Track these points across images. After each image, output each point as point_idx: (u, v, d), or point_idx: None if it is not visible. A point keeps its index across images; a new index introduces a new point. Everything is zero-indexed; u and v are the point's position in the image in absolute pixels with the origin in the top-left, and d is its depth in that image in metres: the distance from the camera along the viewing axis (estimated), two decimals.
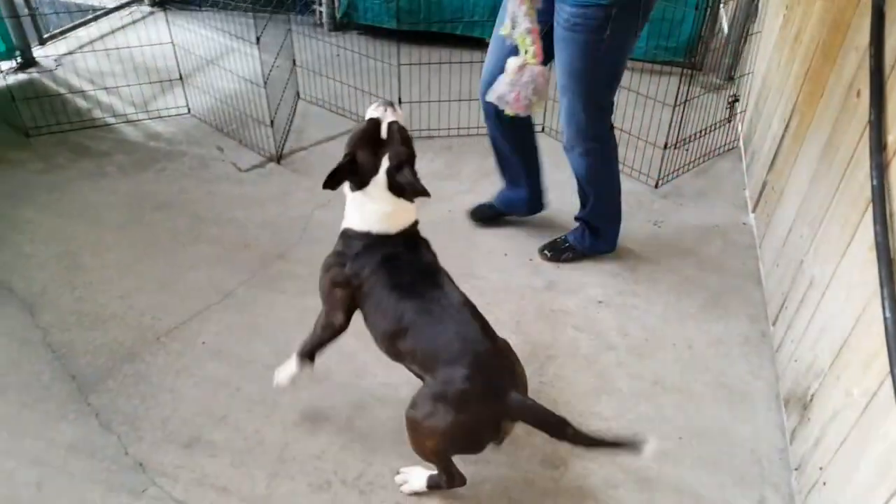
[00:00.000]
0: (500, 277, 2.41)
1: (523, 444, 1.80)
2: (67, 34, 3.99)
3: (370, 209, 1.65)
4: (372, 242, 1.66)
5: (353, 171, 1.63)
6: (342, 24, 4.18)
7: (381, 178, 1.61)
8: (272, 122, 2.89)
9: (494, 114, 2.28)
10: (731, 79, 3.57)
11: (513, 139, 2.45)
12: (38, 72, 3.55)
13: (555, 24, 2.04)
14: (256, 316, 2.20)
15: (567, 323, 2.23)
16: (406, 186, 1.61)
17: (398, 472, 1.74)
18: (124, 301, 2.23)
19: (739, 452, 1.83)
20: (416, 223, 1.73)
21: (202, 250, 2.46)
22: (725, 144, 3.17)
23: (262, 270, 2.39)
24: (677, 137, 2.83)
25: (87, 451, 1.76)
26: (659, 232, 2.66)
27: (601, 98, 2.17)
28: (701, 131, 3.00)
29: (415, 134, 3.11)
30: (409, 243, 1.69)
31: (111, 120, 3.20)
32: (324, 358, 1.84)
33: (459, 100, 3.16)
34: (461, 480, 1.63)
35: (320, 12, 4.18)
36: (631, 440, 1.47)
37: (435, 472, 1.65)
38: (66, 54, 3.77)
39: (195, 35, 3.76)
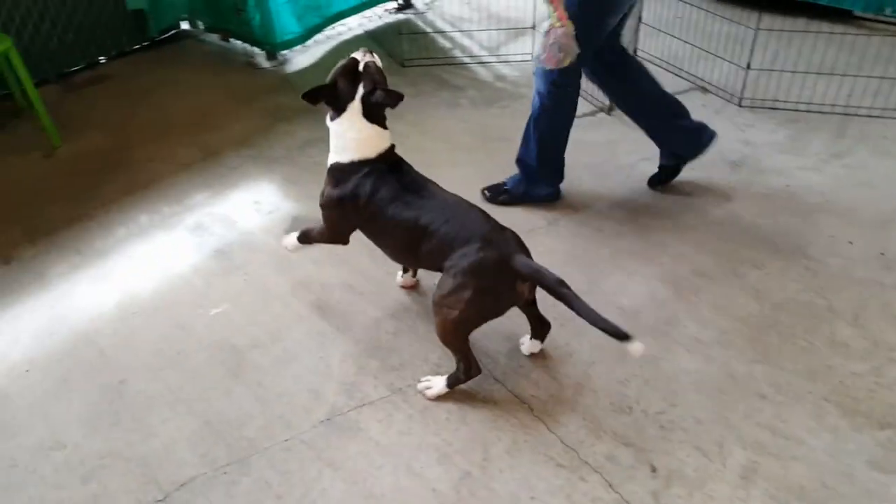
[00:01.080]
0: (838, 264, 2.24)
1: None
2: None
3: (349, 137, 1.87)
4: (357, 169, 1.86)
5: (333, 98, 1.86)
6: None
7: (356, 104, 1.85)
8: None
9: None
10: None
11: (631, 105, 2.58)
12: (413, 13, 4.13)
13: None
14: (575, 245, 2.38)
15: None
16: (380, 101, 1.84)
17: (419, 381, 1.89)
18: None
19: None
20: (393, 147, 1.93)
21: None
22: None
23: (585, 208, 2.55)
24: None
25: (431, 319, 2.05)
26: None
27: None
28: None
29: (758, 104, 3.06)
30: (392, 163, 1.90)
31: (467, 60, 3.61)
32: None
33: (818, 73, 2.97)
34: (477, 369, 1.82)
35: None
36: (620, 331, 1.56)
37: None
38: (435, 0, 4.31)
39: None
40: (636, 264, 2.27)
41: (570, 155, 2.79)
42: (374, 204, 1.84)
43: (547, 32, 2.24)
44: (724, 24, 3.32)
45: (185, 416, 1.83)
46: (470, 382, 1.86)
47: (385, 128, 1.92)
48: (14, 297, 2.25)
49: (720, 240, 2.37)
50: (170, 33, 4.06)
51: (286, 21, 3.56)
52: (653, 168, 2.70)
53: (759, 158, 2.76)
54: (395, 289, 2.20)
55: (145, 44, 3.94)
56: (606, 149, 2.86)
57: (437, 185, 1.92)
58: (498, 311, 1.78)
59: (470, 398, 1.84)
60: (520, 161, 2.56)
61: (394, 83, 3.37)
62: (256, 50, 3.80)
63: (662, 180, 2.65)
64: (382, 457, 1.71)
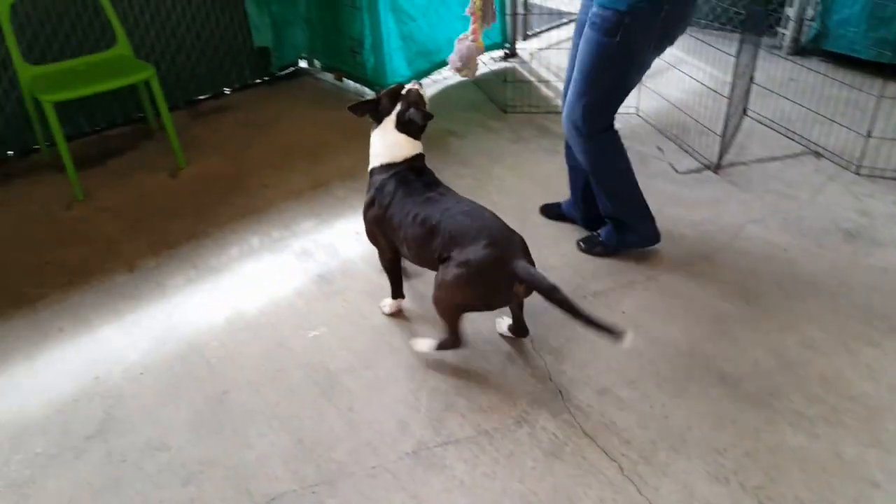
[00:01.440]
0: None
1: None
2: (542, 34, 4.63)
3: (381, 142, 2.16)
4: (385, 171, 2.12)
5: (375, 112, 2.17)
6: (804, 48, 4.02)
7: (392, 117, 2.14)
8: (724, 132, 2.96)
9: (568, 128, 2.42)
10: None
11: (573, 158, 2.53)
12: (518, 62, 4.23)
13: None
14: (674, 303, 2.32)
15: None
16: (411, 116, 2.10)
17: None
18: (562, 257, 2.57)
19: None
20: (421, 156, 2.17)
21: None
22: None
23: (686, 266, 2.49)
24: None
25: (521, 364, 2.11)
26: None
27: (599, 104, 2.27)
28: None
29: (877, 173, 2.94)
30: (415, 168, 2.12)
31: None
32: None
33: None
34: (460, 343, 2.05)
35: (783, 34, 4.08)
36: (612, 327, 1.75)
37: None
38: (540, 49, 4.40)
39: None
40: (740, 330, 2.20)
41: (673, 211, 2.78)
42: (395, 199, 2.07)
43: (460, 40, 2.37)
44: (841, 89, 3.23)
45: (280, 433, 1.90)
46: (559, 434, 1.85)
47: (417, 139, 2.17)
48: (135, 303, 2.43)
49: (831, 312, 2.25)
50: (289, 70, 4.34)
51: (398, 64, 3.73)
52: (761, 230, 2.64)
53: (876, 230, 2.63)
54: (488, 331, 2.22)
55: (266, 78, 4.22)
56: (711, 208, 2.81)
57: (456, 192, 2.11)
58: (490, 306, 1.98)
59: (558, 449, 1.82)
60: (604, 215, 2.55)
61: (495, 129, 3.57)
62: (367, 90, 4.00)
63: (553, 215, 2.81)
64: (465, 497, 1.71)
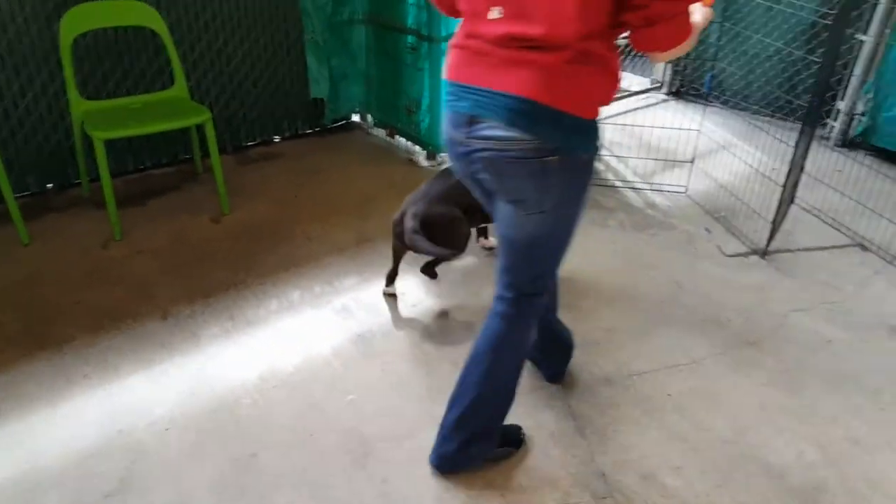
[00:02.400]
0: None
1: None
2: None
3: None
4: None
5: None
6: (853, 142, 4.02)
7: None
8: (775, 218, 2.93)
9: None
10: None
11: None
12: None
13: None
14: (719, 390, 2.24)
15: None
16: None
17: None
18: (606, 333, 2.51)
19: None
20: None
21: (678, 314, 2.62)
22: None
23: (732, 351, 2.43)
24: None
25: (563, 443, 2.03)
26: None
27: None
28: None
29: None
30: None
31: (618, 183, 3.65)
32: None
33: None
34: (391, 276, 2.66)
35: (832, 126, 4.09)
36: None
37: None
38: None
39: (706, 125, 4.06)
40: (786, 420, 2.12)
41: (720, 294, 2.73)
42: None
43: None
44: (886, 183, 3.20)
45: (308, 500, 1.82)
46: None
47: None
48: (166, 352, 2.38)
49: (877, 408, 2.18)
50: (341, 122, 4.39)
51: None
52: (807, 320, 2.57)
53: None
54: (529, 414, 2.14)
55: (317, 129, 4.27)
56: (757, 293, 2.75)
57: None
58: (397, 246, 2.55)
59: None
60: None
61: None
62: (418, 149, 4.02)
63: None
64: None
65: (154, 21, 3.23)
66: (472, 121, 1.53)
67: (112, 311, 2.58)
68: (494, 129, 1.50)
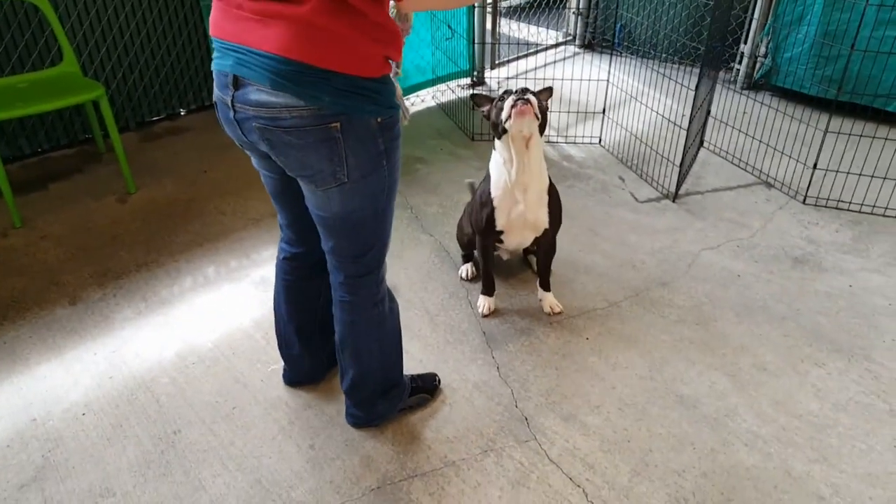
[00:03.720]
0: None
1: None
2: (510, 63, 4.69)
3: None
4: None
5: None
6: (757, 84, 4.17)
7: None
8: (682, 163, 3.03)
9: None
10: None
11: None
12: (486, 90, 4.25)
13: None
14: (636, 330, 2.33)
15: None
16: None
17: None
18: (525, 283, 2.56)
19: None
20: None
21: (596, 260, 2.69)
22: None
23: (646, 292, 2.52)
24: None
25: (488, 393, 2.07)
26: None
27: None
28: None
29: (822, 203, 3.04)
30: None
31: None
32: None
33: (884, 177, 2.97)
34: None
35: (737, 70, 4.23)
36: None
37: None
38: (507, 78, 4.44)
39: (615, 74, 4.12)
40: (697, 353, 2.23)
41: (634, 239, 2.82)
42: None
43: None
44: (791, 123, 3.35)
45: (236, 473, 1.80)
46: (525, 462, 1.83)
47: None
48: (77, 338, 2.29)
49: (781, 335, 2.31)
50: None
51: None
52: (716, 257, 2.69)
53: (821, 257, 2.72)
54: (455, 362, 2.18)
55: None
56: (669, 236, 2.85)
57: None
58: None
59: (524, 478, 1.78)
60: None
61: (463, 155, 3.54)
62: None
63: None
64: None
65: None
66: (237, 82, 1.36)
67: (17, 301, 2.46)
68: (262, 94, 1.33)
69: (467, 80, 4.33)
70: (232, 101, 1.39)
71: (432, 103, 4.12)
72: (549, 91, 2.26)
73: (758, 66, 4.13)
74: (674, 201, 3.09)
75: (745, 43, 4.14)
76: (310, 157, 1.39)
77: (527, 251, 2.65)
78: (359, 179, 1.45)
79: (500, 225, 2.27)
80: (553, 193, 2.30)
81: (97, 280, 2.56)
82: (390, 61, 1.40)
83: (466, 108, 3.87)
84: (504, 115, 2.10)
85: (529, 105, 2.06)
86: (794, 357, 2.22)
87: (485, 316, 2.39)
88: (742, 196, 3.14)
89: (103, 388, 2.08)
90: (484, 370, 2.15)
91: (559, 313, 2.40)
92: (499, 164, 2.22)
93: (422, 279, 2.58)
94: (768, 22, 3.98)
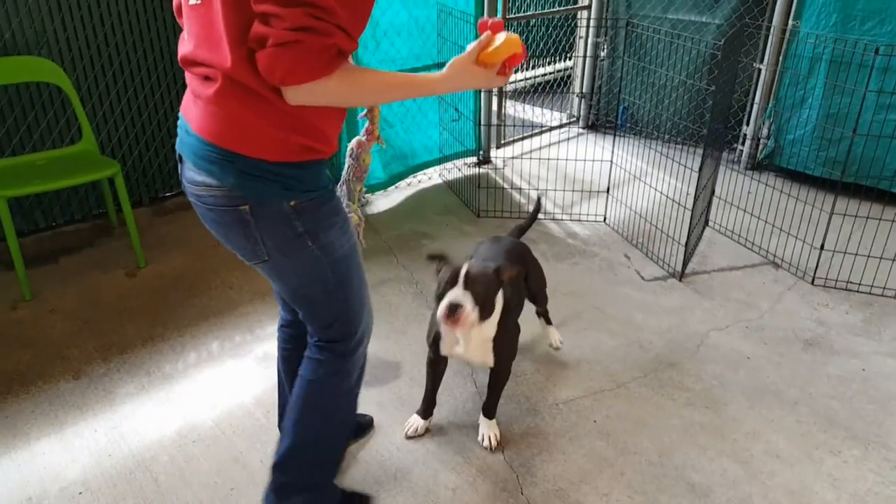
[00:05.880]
0: None
1: None
2: (516, 143, 4.79)
3: None
4: None
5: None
6: (760, 164, 4.24)
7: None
8: (687, 242, 3.04)
9: None
10: None
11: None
12: (491, 168, 4.34)
13: None
14: (644, 413, 2.28)
15: None
16: None
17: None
18: (532, 362, 2.52)
19: None
20: None
21: (602, 339, 2.67)
22: None
23: (654, 373, 2.48)
24: None
25: (492, 478, 2.01)
26: None
27: None
28: None
29: (830, 284, 3.03)
30: None
31: (539, 215, 3.71)
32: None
33: (893, 259, 2.99)
34: None
35: (741, 151, 4.30)
36: None
37: None
38: (512, 158, 4.53)
39: (619, 155, 4.20)
40: (708, 439, 2.17)
41: (640, 318, 2.80)
42: None
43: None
44: (796, 204, 3.38)
45: None
46: None
47: None
48: (79, 413, 2.26)
49: (794, 420, 2.26)
50: None
51: (373, 167, 3.78)
52: (725, 338, 2.66)
53: (832, 339, 2.68)
54: (459, 443, 2.13)
55: None
56: (676, 315, 2.83)
57: None
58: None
59: None
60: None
61: (469, 231, 3.58)
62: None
63: None
64: None
65: (58, 77, 3.16)
66: (180, 159, 1.42)
67: (21, 374, 2.45)
68: (190, 172, 1.38)
69: (474, 159, 4.42)
70: (182, 178, 1.44)
71: (439, 180, 4.19)
72: (513, 270, 1.92)
73: (761, 147, 4.20)
74: (680, 280, 3.09)
75: (748, 125, 4.23)
76: (230, 234, 1.42)
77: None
78: (281, 258, 1.45)
79: (444, 351, 2.06)
80: (502, 337, 2.00)
81: (101, 354, 2.55)
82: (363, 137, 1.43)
83: (472, 186, 3.94)
84: (438, 314, 1.82)
85: (459, 319, 1.77)
86: (808, 444, 2.16)
87: (409, 437, 2.16)
88: (749, 276, 3.13)
89: (102, 466, 2.04)
90: (488, 453, 2.10)
91: (497, 446, 2.12)
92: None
93: (425, 356, 2.55)
94: (770, 105, 4.08)
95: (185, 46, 1.36)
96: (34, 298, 2.92)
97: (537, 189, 3.98)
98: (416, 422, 2.18)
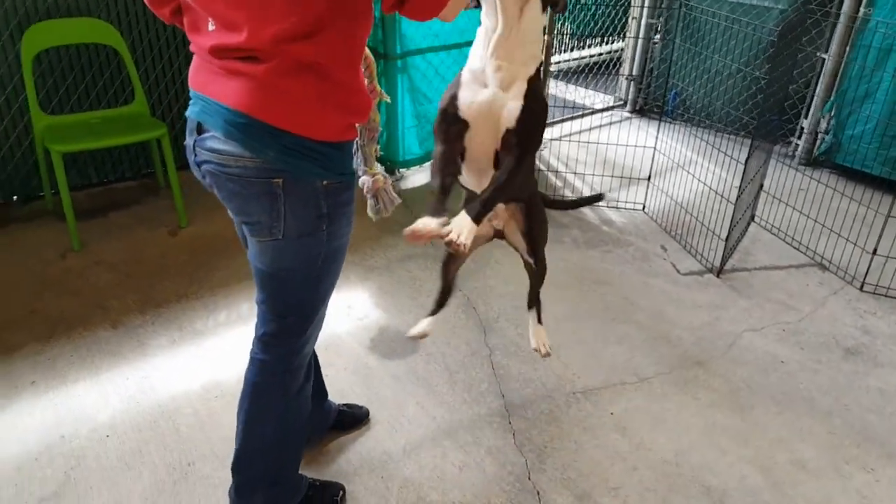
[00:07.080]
0: None
1: None
2: (557, 124, 4.71)
3: None
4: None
5: None
6: (817, 160, 4.06)
7: None
8: (728, 236, 2.95)
9: None
10: None
11: None
12: None
13: None
14: (665, 410, 2.24)
15: None
16: None
17: None
18: (553, 349, 2.49)
19: None
20: None
21: (629, 331, 2.62)
22: None
23: (680, 370, 2.43)
24: None
25: (500, 460, 2.02)
26: None
27: None
28: None
29: (881, 291, 2.90)
30: None
31: None
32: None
33: None
34: None
35: (797, 145, 4.13)
36: None
37: None
38: (551, 139, 4.45)
39: (665, 142, 4.08)
40: (729, 442, 2.11)
41: (672, 313, 2.74)
42: None
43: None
44: (850, 204, 3.24)
45: None
46: None
47: None
48: (114, 360, 2.37)
49: (826, 431, 2.17)
50: None
51: (410, 143, 3.79)
52: (760, 340, 2.58)
53: (877, 350, 2.57)
54: (468, 420, 2.15)
55: None
56: (710, 312, 2.75)
57: None
58: None
59: None
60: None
61: None
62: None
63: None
64: None
65: (115, 39, 3.26)
66: (199, 128, 1.43)
67: (64, 320, 2.57)
68: (216, 141, 1.38)
69: None
70: (194, 146, 1.45)
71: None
72: None
73: (818, 142, 4.02)
74: (718, 276, 3.00)
75: (806, 118, 4.05)
76: (251, 206, 1.42)
77: (498, 234, 2.12)
78: (294, 239, 1.45)
79: (462, 108, 1.60)
80: (537, 94, 1.59)
81: (139, 307, 2.66)
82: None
83: None
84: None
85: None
86: (837, 457, 2.08)
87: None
88: (793, 277, 3.02)
89: (129, 413, 2.14)
90: (499, 435, 2.11)
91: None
92: (479, 36, 1.60)
93: (445, 334, 2.57)
94: (832, 98, 3.89)
95: (209, 37, 1.36)
96: (82, 249, 3.05)
97: (575, 172, 3.91)
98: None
